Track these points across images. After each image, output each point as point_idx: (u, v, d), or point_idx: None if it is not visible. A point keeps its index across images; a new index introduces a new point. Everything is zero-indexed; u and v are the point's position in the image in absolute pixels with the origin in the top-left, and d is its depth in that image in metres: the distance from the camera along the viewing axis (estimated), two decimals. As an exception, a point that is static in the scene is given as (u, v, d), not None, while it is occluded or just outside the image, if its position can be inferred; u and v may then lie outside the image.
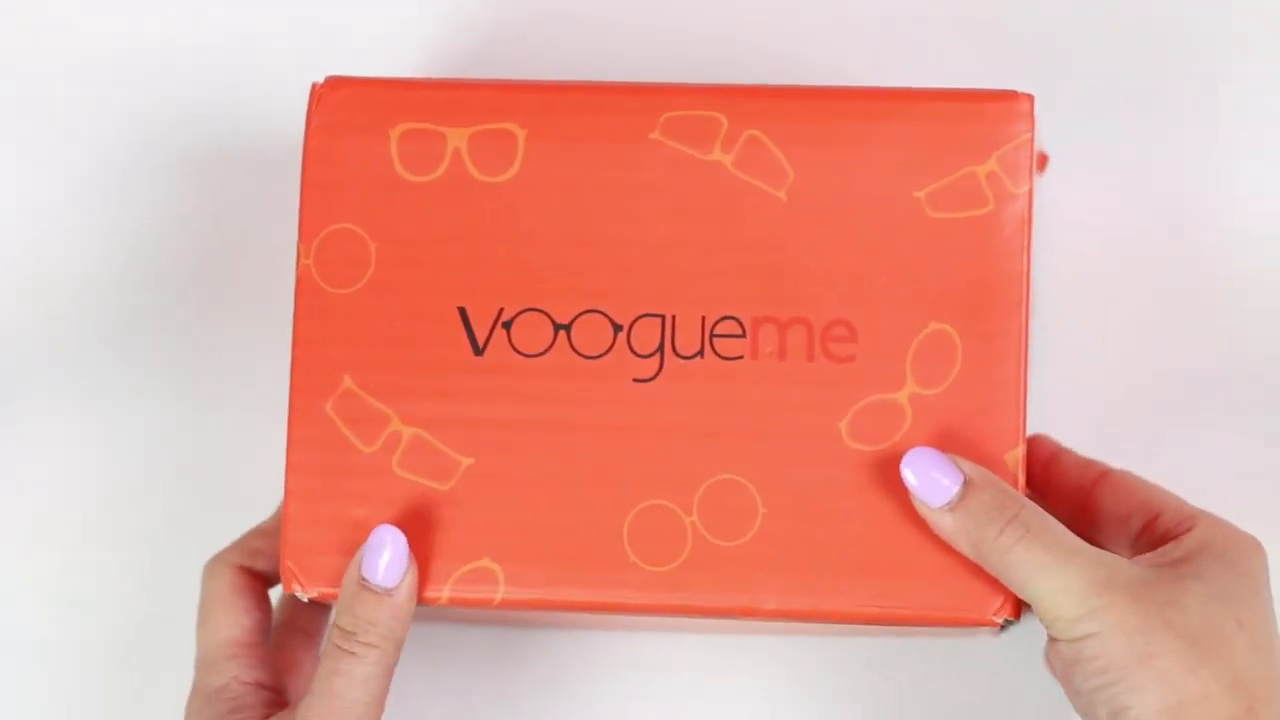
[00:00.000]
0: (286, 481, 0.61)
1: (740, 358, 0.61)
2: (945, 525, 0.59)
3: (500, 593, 0.60)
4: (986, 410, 0.60)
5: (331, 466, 0.61)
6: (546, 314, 0.61)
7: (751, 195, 0.61)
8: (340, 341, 0.61)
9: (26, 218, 0.73)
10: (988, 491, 0.58)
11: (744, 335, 0.61)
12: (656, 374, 0.61)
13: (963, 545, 0.59)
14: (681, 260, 0.61)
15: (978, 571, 0.59)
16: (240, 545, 0.65)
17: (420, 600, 0.60)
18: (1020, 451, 0.60)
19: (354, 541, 0.60)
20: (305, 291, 0.61)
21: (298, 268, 0.61)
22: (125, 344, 0.72)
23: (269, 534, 0.65)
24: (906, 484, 0.59)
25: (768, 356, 0.61)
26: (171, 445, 0.72)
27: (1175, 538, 0.60)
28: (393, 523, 0.60)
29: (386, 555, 0.59)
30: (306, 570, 0.61)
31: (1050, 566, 0.57)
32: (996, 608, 0.60)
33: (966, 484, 0.58)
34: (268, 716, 0.61)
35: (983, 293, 0.60)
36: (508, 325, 0.61)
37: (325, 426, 0.61)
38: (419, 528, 0.60)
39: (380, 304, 0.61)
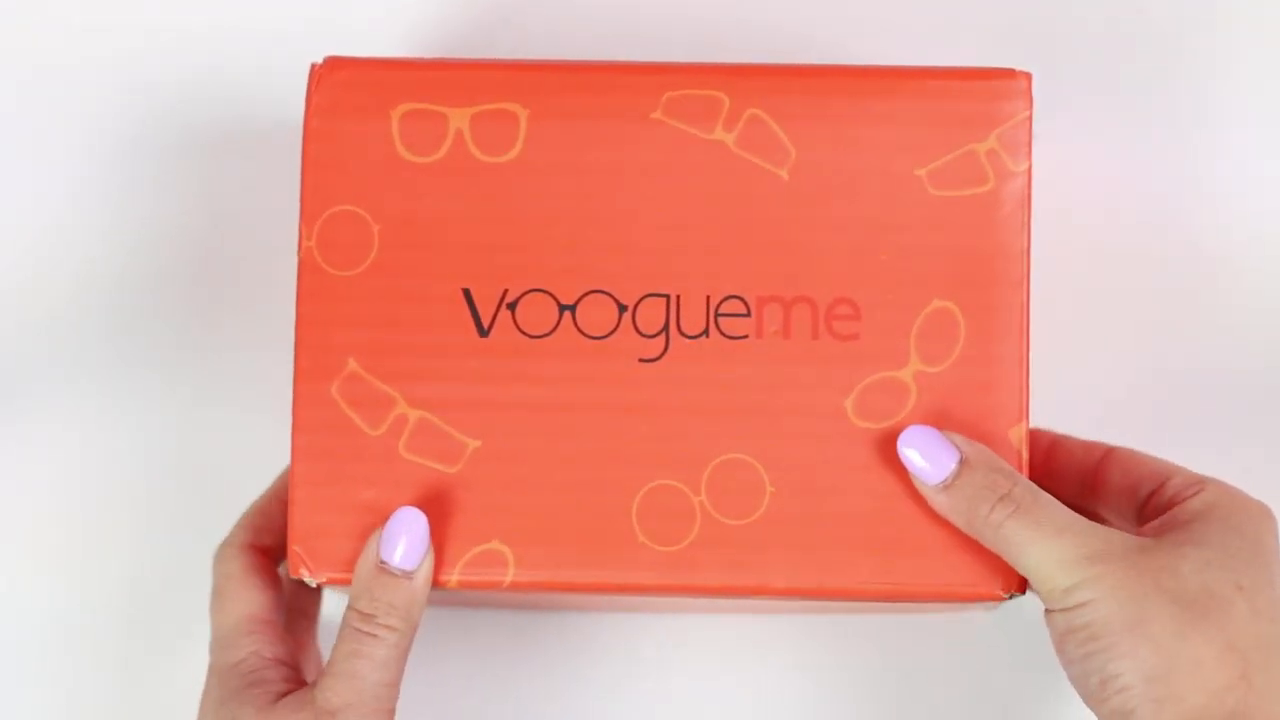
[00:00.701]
0: (292, 466, 0.60)
1: (745, 337, 0.61)
2: (940, 503, 0.59)
3: (510, 575, 0.60)
4: (990, 386, 0.60)
5: (337, 450, 0.60)
6: (551, 295, 0.61)
7: (754, 174, 0.61)
8: (344, 324, 0.61)
9: (26, 217, 0.73)
10: (980, 471, 0.58)
11: (749, 314, 0.61)
12: (662, 354, 0.61)
13: (958, 522, 0.59)
14: (685, 240, 0.61)
15: (983, 546, 0.59)
16: (246, 525, 0.65)
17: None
18: (1024, 427, 0.60)
19: (362, 525, 0.60)
20: (308, 274, 0.61)
21: (300, 250, 0.61)
22: (125, 344, 0.72)
23: (268, 509, 0.65)
24: (904, 463, 0.59)
25: (772, 335, 0.61)
26: (171, 445, 0.71)
27: (1182, 502, 0.60)
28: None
29: (406, 539, 0.59)
30: (314, 555, 0.60)
31: (1041, 540, 0.57)
32: (1002, 582, 0.60)
33: (962, 463, 0.59)
34: (286, 692, 0.61)
35: (984, 269, 0.61)
36: (512, 306, 0.61)
37: (330, 410, 0.60)
38: (427, 511, 0.60)
39: (384, 286, 0.61)
